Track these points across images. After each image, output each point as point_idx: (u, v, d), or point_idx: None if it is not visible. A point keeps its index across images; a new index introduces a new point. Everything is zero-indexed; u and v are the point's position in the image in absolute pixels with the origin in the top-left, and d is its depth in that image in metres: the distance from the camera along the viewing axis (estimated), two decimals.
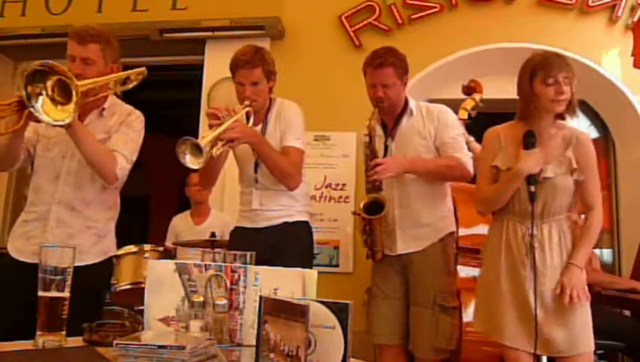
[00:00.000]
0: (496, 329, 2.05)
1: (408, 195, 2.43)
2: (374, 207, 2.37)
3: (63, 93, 1.73)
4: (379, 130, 2.52)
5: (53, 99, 1.72)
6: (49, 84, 1.71)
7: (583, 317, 1.97)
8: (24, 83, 1.68)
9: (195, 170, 2.12)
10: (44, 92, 1.71)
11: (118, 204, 2.23)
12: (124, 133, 2.10)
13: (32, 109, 1.69)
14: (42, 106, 1.71)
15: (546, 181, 1.99)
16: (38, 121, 1.77)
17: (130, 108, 2.20)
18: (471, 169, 2.41)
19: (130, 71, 2.16)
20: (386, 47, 2.52)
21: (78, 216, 2.06)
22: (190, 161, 1.90)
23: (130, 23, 4.26)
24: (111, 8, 4.42)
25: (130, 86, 2.18)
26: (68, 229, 2.04)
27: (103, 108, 2.13)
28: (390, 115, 2.51)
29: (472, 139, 3.37)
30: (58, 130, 2.04)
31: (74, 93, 1.71)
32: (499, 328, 2.03)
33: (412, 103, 2.52)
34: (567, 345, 1.95)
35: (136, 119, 2.17)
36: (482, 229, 3.26)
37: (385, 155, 2.45)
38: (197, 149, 1.90)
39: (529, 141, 1.99)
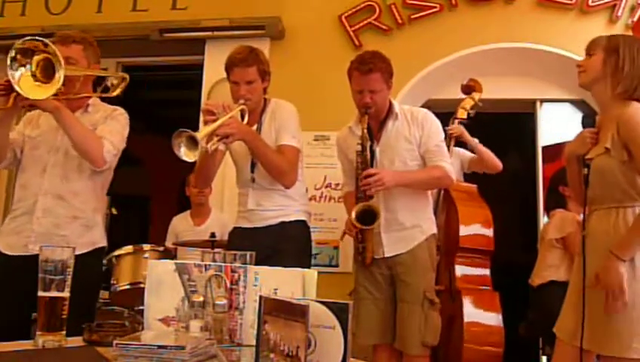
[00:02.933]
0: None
1: (394, 200, 2.44)
2: (366, 215, 2.37)
3: (46, 72, 1.79)
4: (365, 136, 2.52)
5: (34, 75, 1.79)
6: (35, 59, 1.78)
7: (620, 318, 1.72)
8: (15, 49, 1.74)
9: (191, 165, 2.14)
10: (28, 66, 1.77)
11: (105, 198, 2.27)
12: (109, 125, 2.16)
13: (8, 73, 1.74)
14: (20, 78, 1.76)
15: (591, 163, 1.88)
16: (26, 105, 1.84)
17: (114, 106, 2.26)
18: (453, 176, 2.51)
19: (110, 72, 2.21)
20: (371, 51, 2.50)
21: (65, 206, 2.08)
22: (185, 154, 1.92)
23: (130, 22, 4.27)
24: (111, 8, 4.42)
25: (114, 93, 2.24)
26: (54, 219, 2.07)
27: (88, 105, 2.20)
28: (375, 119, 2.50)
29: (476, 140, 3.37)
30: (42, 128, 2.14)
31: (58, 71, 1.76)
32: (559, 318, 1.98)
33: (396, 107, 2.52)
34: (593, 340, 1.78)
35: (121, 115, 2.23)
36: (480, 229, 3.28)
37: (371, 160, 2.44)
38: (192, 142, 1.91)
39: (585, 122, 1.98)
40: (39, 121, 2.18)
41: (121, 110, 2.24)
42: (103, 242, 2.23)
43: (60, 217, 2.07)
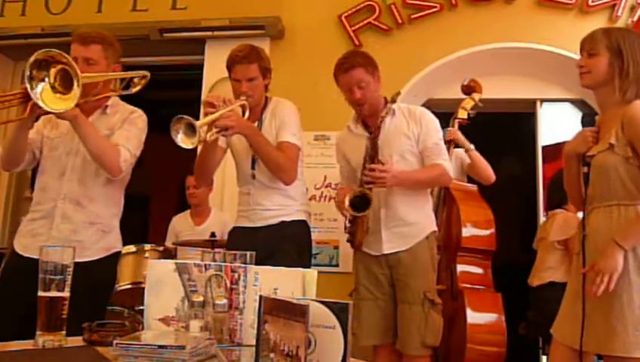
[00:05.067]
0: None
1: (394, 196, 2.44)
2: (360, 200, 2.37)
3: (64, 83, 1.76)
4: (361, 131, 2.54)
5: (53, 88, 1.76)
6: (52, 72, 1.75)
7: (621, 312, 1.71)
8: (29, 66, 1.71)
9: (191, 165, 2.13)
10: (46, 79, 1.74)
11: (122, 202, 2.25)
12: (126, 130, 2.14)
13: (30, 93, 1.71)
14: (41, 93, 1.74)
15: (592, 161, 1.86)
16: (43, 113, 1.83)
17: (132, 107, 2.23)
18: (452, 175, 2.52)
19: (132, 72, 2.19)
20: (350, 50, 2.51)
21: (82, 212, 2.08)
22: (182, 140, 1.92)
23: (130, 22, 4.26)
24: (111, 8, 4.42)
25: (134, 90, 2.21)
26: (72, 225, 2.07)
27: (106, 106, 2.17)
28: (373, 116, 2.51)
29: (472, 146, 3.35)
30: (61, 130, 2.11)
31: (75, 82, 1.73)
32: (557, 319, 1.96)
33: (393, 104, 2.52)
34: (594, 341, 1.76)
35: (139, 117, 2.21)
36: (482, 230, 3.27)
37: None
38: (191, 129, 1.91)
39: (585, 120, 1.97)
40: (58, 121, 2.15)
41: (139, 112, 2.21)
42: (118, 246, 2.23)
43: (78, 223, 2.07)
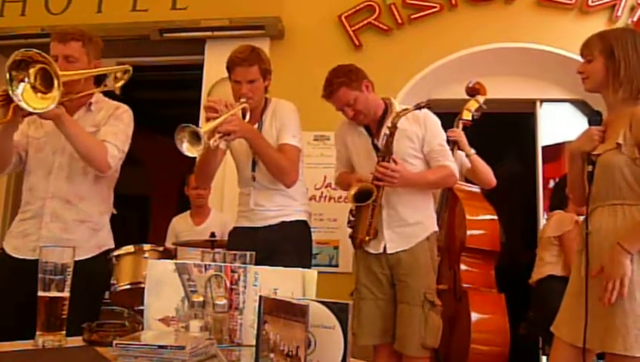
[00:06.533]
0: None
1: (397, 196, 2.46)
2: (364, 194, 2.40)
3: (45, 82, 1.74)
4: (363, 131, 2.55)
5: (34, 87, 1.74)
6: (31, 71, 1.73)
7: (623, 310, 1.72)
8: (8, 68, 1.69)
9: (191, 165, 2.12)
10: (26, 79, 1.72)
11: (112, 198, 2.24)
12: (112, 125, 2.12)
13: (11, 95, 1.70)
14: (22, 93, 1.72)
15: (597, 159, 1.87)
16: (26, 115, 1.79)
17: (117, 103, 2.22)
18: (458, 176, 2.56)
19: (113, 67, 2.18)
20: (331, 71, 2.52)
21: (72, 210, 2.07)
22: (187, 149, 1.92)
23: (130, 22, 4.26)
24: (111, 8, 4.42)
25: (118, 85, 2.20)
26: (62, 223, 2.06)
27: (90, 104, 2.15)
28: (372, 121, 2.54)
29: (473, 151, 3.35)
30: (46, 129, 2.09)
31: (55, 81, 1.72)
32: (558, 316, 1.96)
33: (396, 106, 2.54)
34: (596, 338, 1.77)
35: (125, 112, 2.19)
36: (486, 230, 3.26)
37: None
38: (195, 137, 1.91)
39: (592, 119, 1.99)
40: (42, 120, 2.11)
41: (124, 107, 2.19)
42: (110, 244, 2.23)
43: (68, 221, 2.06)
